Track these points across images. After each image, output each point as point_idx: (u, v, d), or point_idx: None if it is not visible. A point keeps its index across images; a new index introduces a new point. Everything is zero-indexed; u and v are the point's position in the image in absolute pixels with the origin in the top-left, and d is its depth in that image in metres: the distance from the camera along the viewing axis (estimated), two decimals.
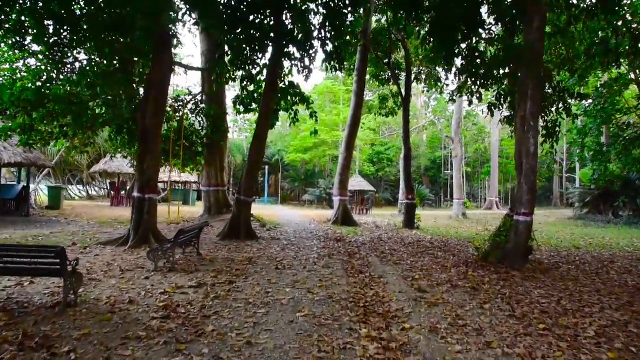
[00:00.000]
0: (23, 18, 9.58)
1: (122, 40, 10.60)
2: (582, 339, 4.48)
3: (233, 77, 13.12)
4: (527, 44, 9.11)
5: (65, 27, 10.04)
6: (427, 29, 12.24)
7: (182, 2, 11.35)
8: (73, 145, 15.15)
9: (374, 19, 19.29)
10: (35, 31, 9.86)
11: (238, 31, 11.61)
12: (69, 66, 11.57)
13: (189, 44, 71.19)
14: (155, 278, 6.76)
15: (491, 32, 11.92)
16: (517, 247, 8.78)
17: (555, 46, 13.11)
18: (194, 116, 16.85)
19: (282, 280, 6.92)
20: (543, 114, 11.28)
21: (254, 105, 13.50)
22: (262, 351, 3.94)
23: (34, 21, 9.56)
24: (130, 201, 11.05)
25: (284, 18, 11.84)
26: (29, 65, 11.46)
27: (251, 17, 11.64)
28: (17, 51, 10.47)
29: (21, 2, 9.35)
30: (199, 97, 17.14)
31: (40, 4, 9.38)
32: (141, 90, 12.27)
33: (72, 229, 13.02)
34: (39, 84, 11.04)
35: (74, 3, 9.92)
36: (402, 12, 11.98)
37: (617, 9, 10.18)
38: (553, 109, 11.92)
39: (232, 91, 35.79)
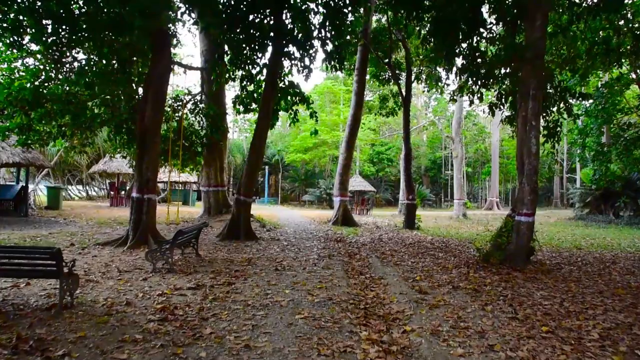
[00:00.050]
0: (21, 17, 9.50)
1: (120, 39, 10.51)
2: (586, 341, 4.41)
3: (232, 76, 13.07)
4: (528, 42, 9.04)
5: (64, 26, 9.97)
6: (427, 29, 12.19)
7: (181, 1, 11.27)
8: (71, 145, 15.07)
9: (374, 18, 19.24)
10: (33, 30, 9.79)
11: (237, 30, 11.55)
12: (67, 66, 11.49)
13: (189, 43, 71.24)
14: (153, 279, 6.69)
15: (492, 31, 11.83)
16: (518, 248, 8.71)
17: (556, 46, 13.05)
18: (194, 116, 16.77)
19: (282, 281, 6.84)
20: (544, 114, 11.22)
21: (253, 105, 13.43)
22: (261, 355, 3.87)
23: (32, 20, 9.48)
24: (130, 201, 10.96)
25: (284, 17, 11.78)
26: (27, 64, 11.37)
27: (251, 17, 11.58)
28: (15, 50, 10.38)
29: (19, 0, 9.27)
30: (198, 97, 17.05)
31: (39, 3, 9.31)
32: (140, 90, 12.20)
33: (70, 230, 12.96)
34: (36, 83, 10.95)
35: (72, 2, 9.85)
36: (402, 12, 11.90)
37: (619, 7, 10.09)
38: (554, 109, 11.86)
39: (231, 91, 35.79)
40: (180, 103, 16.06)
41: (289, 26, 11.78)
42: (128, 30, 9.83)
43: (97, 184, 35.40)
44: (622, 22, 12.80)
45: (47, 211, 18.92)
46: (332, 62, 12.21)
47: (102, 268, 7.43)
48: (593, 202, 25.89)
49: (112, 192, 26.10)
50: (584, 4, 10.75)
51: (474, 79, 11.39)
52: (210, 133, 16.47)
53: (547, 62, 11.94)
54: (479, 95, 12.06)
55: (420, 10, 11.02)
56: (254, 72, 12.61)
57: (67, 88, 11.57)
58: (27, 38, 10.26)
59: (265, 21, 11.79)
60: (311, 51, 11.96)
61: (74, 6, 10.03)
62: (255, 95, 13.25)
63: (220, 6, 11.14)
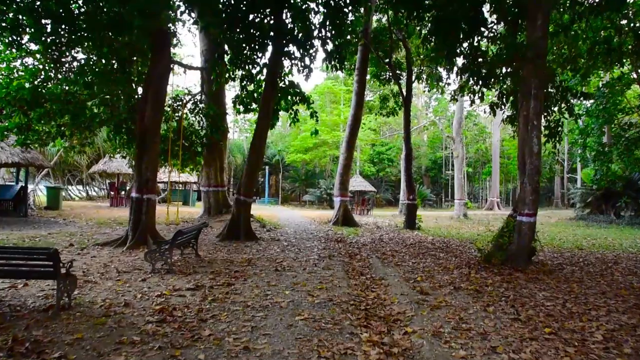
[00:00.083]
0: (20, 16, 9.46)
1: (120, 39, 10.46)
2: (589, 343, 4.35)
3: (232, 76, 13.01)
4: (530, 42, 8.99)
5: (63, 26, 9.92)
6: (428, 28, 12.14)
7: (181, 1, 11.22)
8: (71, 145, 15.02)
9: (374, 18, 19.19)
10: (32, 30, 9.75)
11: (237, 30, 11.49)
12: (66, 65, 11.45)
13: (189, 43, 71.23)
14: (152, 280, 6.64)
15: (493, 30, 11.77)
16: (520, 248, 8.66)
17: (557, 45, 13.00)
18: (193, 116, 16.71)
19: (282, 282, 6.79)
20: (545, 114, 11.17)
21: (253, 105, 13.38)
22: (260, 357, 3.81)
23: (31, 19, 9.43)
24: (130, 201, 10.91)
25: (284, 17, 11.72)
26: (26, 64, 11.32)
27: (251, 16, 11.53)
28: (13, 50, 10.33)
29: (18, 0, 9.23)
30: (198, 97, 17.00)
31: (38, 2, 9.26)
32: (139, 90, 12.15)
33: (70, 230, 12.91)
34: (35, 83, 10.90)
35: (71, 1, 9.80)
36: (403, 11, 11.85)
37: (621, 5, 10.03)
38: (555, 109, 11.81)
39: (231, 91, 35.74)
40: (180, 103, 16.01)
41: (289, 26, 11.73)
42: (127, 30, 9.79)
43: (97, 184, 35.35)
44: (624, 22, 12.73)
45: (46, 211, 18.88)
46: (333, 62, 12.17)
47: (100, 269, 7.38)
48: (594, 202, 25.82)
49: (112, 192, 26.05)
50: (585, 3, 10.69)
51: (475, 78, 11.34)
52: (210, 133, 16.42)
53: (548, 62, 11.88)
54: (480, 95, 12.02)
55: (420, 10, 10.97)
56: (254, 71, 12.57)
57: (67, 88, 11.52)
58: (26, 37, 10.22)
59: (266, 21, 11.73)
60: (311, 51, 11.91)
61: (74, 5, 9.99)
62: (255, 95, 13.21)
63: (220, 5, 11.08)
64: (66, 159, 28.41)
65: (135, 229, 10.10)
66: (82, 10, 10.10)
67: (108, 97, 12.23)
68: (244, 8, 11.24)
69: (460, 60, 11.95)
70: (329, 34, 11.92)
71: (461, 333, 4.55)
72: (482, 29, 11.06)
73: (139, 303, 5.31)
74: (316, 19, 12.10)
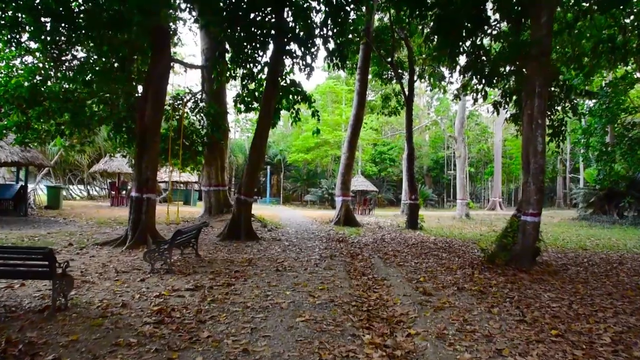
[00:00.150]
0: (19, 14, 9.38)
1: (120, 37, 10.37)
2: (597, 346, 4.24)
3: (233, 75, 12.90)
4: (534, 39, 8.87)
5: (63, 24, 9.84)
6: (430, 27, 12.03)
7: None
8: (71, 144, 14.94)
9: (376, 16, 19.07)
10: (31, 28, 9.67)
11: (238, 28, 11.39)
12: (66, 64, 11.36)
13: (190, 43, 71.21)
14: (151, 280, 6.54)
15: (496, 28, 11.65)
16: (524, 248, 8.54)
17: (560, 44, 12.87)
18: (194, 115, 16.63)
19: (283, 282, 6.69)
20: (549, 113, 11.05)
21: (255, 104, 13.29)
22: None
23: (30, 18, 9.35)
24: (130, 201, 10.84)
25: (285, 15, 11.62)
26: (26, 62, 11.25)
27: (251, 14, 11.42)
28: (12, 48, 10.25)
29: None
30: (199, 96, 16.91)
31: (37, 0, 9.17)
32: (139, 88, 12.07)
33: (70, 229, 12.83)
34: (34, 81, 10.81)
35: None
36: (405, 9, 11.74)
37: (626, 1, 9.90)
38: (559, 108, 11.69)
39: (232, 90, 35.63)
40: (181, 102, 15.92)
41: (291, 24, 11.62)
42: (127, 28, 9.70)
43: (98, 184, 35.30)
44: (628, 20, 12.59)
45: (46, 211, 18.81)
46: (334, 61, 12.07)
47: (99, 268, 7.29)
48: (597, 202, 25.64)
49: (112, 192, 25.99)
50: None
51: (478, 77, 11.23)
52: (211, 132, 16.33)
53: (552, 61, 11.75)
54: (483, 93, 11.91)
55: (423, 8, 10.85)
56: (255, 70, 12.47)
57: (66, 86, 11.44)
58: (25, 36, 10.15)
59: (266, 19, 11.63)
60: (313, 49, 11.80)
61: (74, 3, 9.91)
62: (256, 94, 13.11)
63: (221, 4, 10.99)
64: (67, 158, 28.35)
65: (135, 229, 10.02)
66: (82, 8, 10.02)
67: (107, 95, 12.14)
68: (244, 6, 11.14)
69: (463, 59, 11.85)
70: (330, 33, 11.82)
71: (466, 335, 4.44)
72: (485, 27, 10.95)
73: (136, 304, 5.22)
74: (317, 18, 12.12)
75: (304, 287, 6.37)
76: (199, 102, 16.65)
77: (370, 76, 20.06)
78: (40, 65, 11.09)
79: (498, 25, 11.66)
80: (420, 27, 14.82)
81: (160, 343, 3.96)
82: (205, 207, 17.95)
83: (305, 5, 11.59)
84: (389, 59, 18.28)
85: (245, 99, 13.10)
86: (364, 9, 15.43)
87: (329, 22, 11.58)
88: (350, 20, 12.68)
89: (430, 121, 49.98)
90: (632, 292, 6.75)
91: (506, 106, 12.09)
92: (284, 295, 5.87)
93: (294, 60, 12.04)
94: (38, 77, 10.94)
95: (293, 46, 11.87)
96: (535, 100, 8.59)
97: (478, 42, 11.27)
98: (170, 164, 14.37)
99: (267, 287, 6.29)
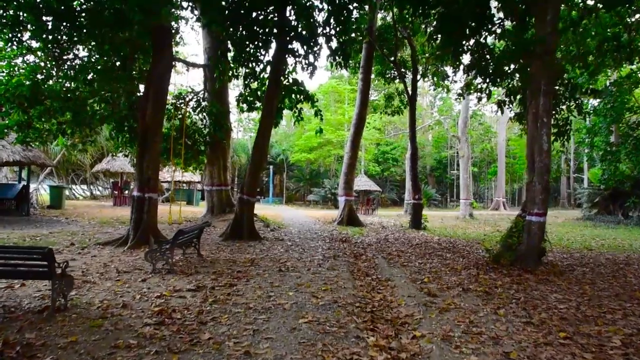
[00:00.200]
0: (20, 13, 9.33)
1: (121, 35, 10.32)
2: (607, 349, 4.14)
3: (236, 74, 12.84)
4: (539, 37, 8.76)
5: (64, 23, 9.79)
6: (433, 25, 11.93)
7: None
8: (73, 144, 14.91)
9: (379, 15, 18.98)
10: (33, 27, 9.62)
11: (240, 27, 11.32)
12: (68, 63, 11.32)
13: (192, 42, 71.22)
14: (153, 280, 6.48)
15: (500, 26, 11.54)
16: (530, 249, 8.44)
17: (565, 42, 12.75)
18: (197, 114, 16.57)
19: (285, 283, 6.61)
20: (554, 112, 10.94)
21: (257, 104, 13.22)
22: None
23: (32, 17, 9.31)
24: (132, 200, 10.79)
25: (288, 14, 11.55)
26: (27, 61, 11.21)
27: (254, 13, 11.35)
28: (14, 47, 10.21)
29: None
30: (201, 95, 16.85)
31: None
32: (141, 87, 12.01)
33: (72, 229, 12.79)
34: (36, 79, 10.77)
35: None
36: (408, 8, 11.64)
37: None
38: (564, 107, 11.58)
39: (235, 90, 35.58)
40: (183, 101, 15.86)
41: (293, 23, 11.54)
42: (128, 26, 9.65)
43: (101, 184, 35.29)
44: (633, 19, 12.46)
45: (49, 210, 18.79)
46: (337, 59, 11.99)
47: (100, 268, 7.23)
48: (601, 202, 25.47)
49: (115, 192, 25.98)
50: None
51: (482, 75, 11.13)
52: (214, 131, 16.27)
53: (557, 59, 11.64)
54: (487, 92, 11.80)
55: (426, 7, 10.75)
56: (257, 69, 12.39)
57: (67, 85, 11.40)
58: (26, 35, 10.10)
59: (269, 17, 11.56)
60: (315, 48, 11.72)
61: (75, 2, 9.86)
62: (258, 93, 13.04)
63: (223, 2, 10.92)
64: (69, 157, 28.35)
65: (137, 228, 9.96)
66: (84, 7, 9.97)
67: (109, 94, 12.10)
68: (247, 5, 11.06)
69: (466, 58, 11.74)
70: (333, 31, 11.74)
71: (472, 337, 4.35)
72: (489, 25, 10.84)
73: (137, 304, 5.15)
74: (320, 16, 11.98)
75: (307, 288, 6.29)
76: (201, 101, 16.59)
77: (373, 75, 19.96)
78: (42, 64, 11.05)
79: (502, 23, 11.55)
80: (423, 25, 14.77)
81: (160, 345, 3.89)
82: (207, 207, 17.88)
83: (307, 4, 11.51)
84: (392, 58, 18.18)
85: (248, 98, 13.04)
86: (366, 7, 15.32)
87: (332, 20, 11.51)
88: (353, 19, 12.58)
89: (433, 121, 49.84)
90: None
91: (510, 105, 11.98)
92: (286, 296, 5.80)
93: (297, 59, 11.96)
94: (39, 76, 10.90)
95: (295, 45, 11.80)
96: (541, 99, 8.48)
97: (482, 41, 11.16)
98: (172, 163, 14.30)
99: (270, 288, 6.21)
